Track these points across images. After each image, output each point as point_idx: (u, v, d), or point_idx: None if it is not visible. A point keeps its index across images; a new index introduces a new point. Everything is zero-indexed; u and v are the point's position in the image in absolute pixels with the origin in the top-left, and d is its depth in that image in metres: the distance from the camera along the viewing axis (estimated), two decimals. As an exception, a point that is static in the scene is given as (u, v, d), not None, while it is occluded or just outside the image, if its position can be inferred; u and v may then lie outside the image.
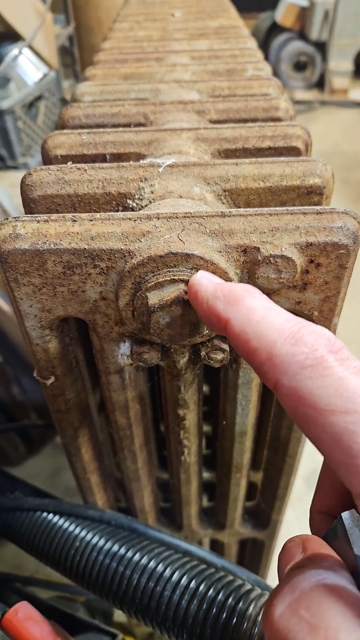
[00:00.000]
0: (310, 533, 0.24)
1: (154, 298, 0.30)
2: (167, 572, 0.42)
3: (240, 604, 0.39)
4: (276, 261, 0.30)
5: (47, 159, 0.42)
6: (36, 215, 0.31)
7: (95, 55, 0.65)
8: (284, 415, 0.45)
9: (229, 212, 0.30)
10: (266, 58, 0.63)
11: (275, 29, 3.48)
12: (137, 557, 0.44)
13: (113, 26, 0.83)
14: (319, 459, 0.23)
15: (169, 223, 0.30)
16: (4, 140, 1.65)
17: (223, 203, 0.37)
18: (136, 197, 0.36)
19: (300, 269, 0.31)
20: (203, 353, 0.35)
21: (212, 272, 0.30)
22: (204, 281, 0.26)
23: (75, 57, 2.54)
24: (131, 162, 0.37)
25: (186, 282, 0.29)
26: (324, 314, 0.33)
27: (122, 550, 0.45)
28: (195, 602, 0.40)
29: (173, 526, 0.61)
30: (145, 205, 0.36)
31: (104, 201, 0.36)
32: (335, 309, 0.33)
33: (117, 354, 0.36)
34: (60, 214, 0.31)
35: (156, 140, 0.41)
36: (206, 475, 0.63)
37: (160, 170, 0.36)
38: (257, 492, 0.60)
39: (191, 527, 0.59)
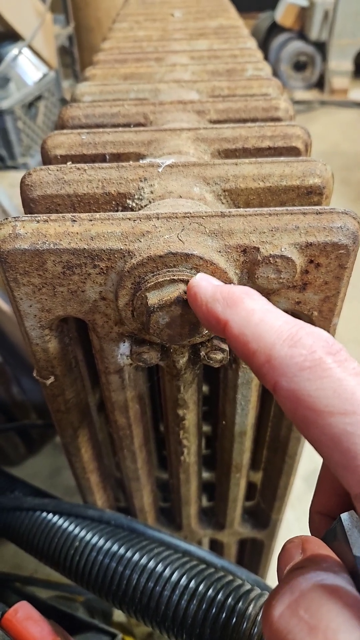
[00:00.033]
0: (309, 534, 0.24)
1: (153, 298, 0.30)
2: (167, 571, 0.42)
3: (240, 603, 0.39)
4: (276, 261, 0.30)
5: (47, 159, 0.42)
6: (36, 215, 0.31)
7: (95, 55, 0.65)
8: (284, 416, 0.45)
9: (229, 212, 0.30)
10: (266, 58, 0.63)
11: (275, 28, 3.48)
12: (136, 556, 0.44)
13: (113, 26, 0.83)
14: (319, 459, 0.23)
15: (168, 223, 0.30)
16: (3, 140, 1.65)
17: (223, 203, 0.37)
18: (136, 197, 0.36)
19: (300, 269, 0.31)
20: (202, 353, 0.35)
21: (212, 272, 0.30)
22: (203, 283, 0.27)
23: (74, 57, 2.54)
24: (131, 162, 0.37)
25: (186, 282, 0.29)
26: (323, 314, 0.33)
27: (122, 550, 0.45)
28: (194, 601, 0.40)
29: (172, 526, 0.61)
30: (145, 205, 0.36)
31: (103, 201, 0.36)
32: (335, 309, 0.33)
33: (116, 354, 0.36)
34: (60, 214, 0.31)
35: (156, 140, 0.41)
36: (206, 475, 0.63)
37: (159, 170, 0.36)
38: (257, 492, 0.60)
39: (191, 527, 0.59)
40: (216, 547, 0.65)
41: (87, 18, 2.15)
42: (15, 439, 1.18)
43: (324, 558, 0.19)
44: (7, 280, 0.32)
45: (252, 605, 0.39)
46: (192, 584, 0.41)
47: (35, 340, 0.35)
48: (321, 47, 3.34)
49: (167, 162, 0.36)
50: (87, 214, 0.31)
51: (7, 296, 0.35)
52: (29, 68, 1.76)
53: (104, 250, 0.30)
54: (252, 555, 0.69)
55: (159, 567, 0.43)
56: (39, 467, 1.21)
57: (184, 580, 0.42)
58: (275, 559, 0.22)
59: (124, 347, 0.36)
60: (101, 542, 0.46)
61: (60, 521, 0.50)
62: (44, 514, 0.51)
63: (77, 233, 0.30)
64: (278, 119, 0.46)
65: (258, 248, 0.30)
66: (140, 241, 0.30)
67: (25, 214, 0.37)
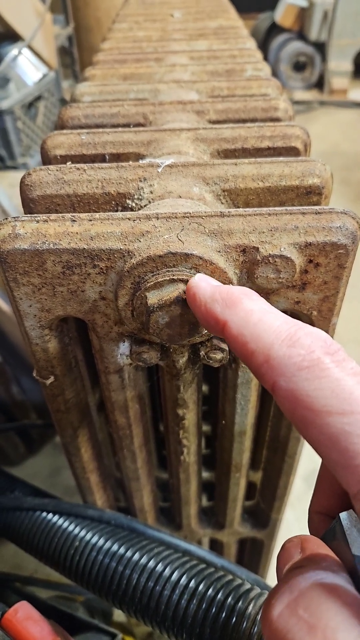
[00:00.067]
0: (308, 533, 0.24)
1: (153, 298, 0.30)
2: (167, 571, 0.42)
3: (240, 603, 0.39)
4: (275, 261, 0.30)
5: (47, 159, 0.42)
6: (35, 215, 0.32)
7: (95, 56, 0.65)
8: (283, 415, 0.45)
9: (228, 212, 0.30)
10: (265, 58, 0.64)
11: (274, 29, 3.48)
12: (136, 556, 0.44)
13: (112, 26, 0.83)
14: (318, 458, 0.23)
15: (168, 223, 0.30)
16: (3, 141, 1.65)
17: (222, 203, 0.37)
18: (135, 197, 0.36)
19: (299, 269, 0.31)
20: (202, 353, 0.35)
21: (211, 272, 0.30)
22: (202, 284, 0.27)
23: (74, 57, 2.54)
24: (130, 162, 0.37)
25: (185, 281, 0.29)
26: (323, 314, 0.33)
27: (122, 550, 0.45)
28: (194, 601, 0.40)
29: (172, 526, 0.61)
30: (145, 205, 0.36)
31: (103, 201, 0.36)
32: (334, 308, 0.33)
33: (116, 354, 0.37)
34: (60, 214, 0.31)
35: (155, 140, 0.41)
36: (205, 474, 0.63)
37: (159, 170, 0.36)
38: (257, 492, 0.60)
39: (190, 526, 0.59)
40: (216, 546, 0.65)
41: (86, 18, 2.15)
42: (15, 439, 1.18)
43: (323, 557, 0.19)
44: (6, 280, 0.32)
45: (251, 605, 0.39)
46: (192, 583, 0.41)
47: (35, 340, 0.36)
48: (321, 48, 3.34)
49: (166, 162, 0.36)
50: (86, 214, 0.31)
51: (7, 296, 0.35)
52: (29, 68, 1.76)
53: (104, 250, 0.30)
54: (252, 554, 0.69)
55: (159, 567, 0.43)
56: (38, 467, 1.21)
57: (183, 580, 0.42)
58: (275, 558, 0.22)
59: (124, 347, 0.36)
60: (101, 541, 0.46)
61: (60, 521, 0.50)
62: (44, 513, 0.51)
63: (77, 233, 0.30)
64: (277, 119, 0.46)
65: (257, 248, 0.30)
66: (140, 241, 0.30)
67: (25, 214, 0.37)
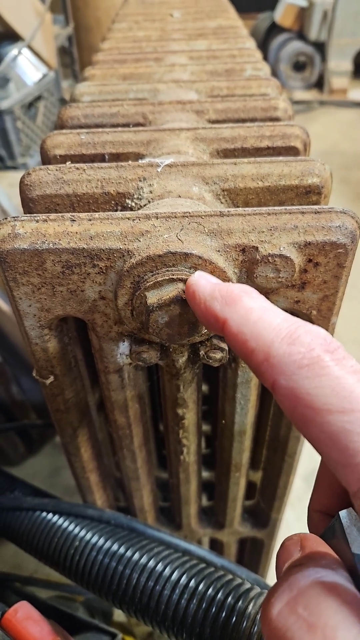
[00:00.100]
0: (308, 532, 0.24)
1: (152, 297, 0.30)
2: (167, 571, 0.42)
3: (240, 602, 0.39)
4: (275, 260, 0.30)
5: (46, 159, 0.42)
6: (35, 214, 0.32)
7: (94, 56, 0.65)
8: (283, 415, 0.45)
9: (228, 211, 0.31)
10: (265, 58, 0.64)
11: (274, 29, 3.48)
12: (136, 556, 0.44)
13: (112, 26, 0.83)
14: (318, 458, 0.23)
15: (167, 222, 0.30)
16: (3, 141, 1.65)
17: (222, 203, 0.37)
18: (135, 196, 0.36)
19: (299, 268, 0.31)
20: (202, 352, 0.35)
21: (211, 272, 0.30)
22: (202, 281, 0.27)
23: (74, 57, 2.54)
24: (130, 162, 0.37)
25: (185, 281, 0.29)
26: (322, 313, 0.33)
27: (122, 550, 0.45)
28: (194, 601, 0.40)
29: (172, 525, 0.61)
30: (144, 205, 0.36)
31: (102, 201, 0.36)
32: (333, 308, 0.33)
33: (116, 354, 0.37)
34: (59, 214, 0.31)
35: (155, 140, 0.41)
36: (205, 474, 0.63)
37: (159, 170, 0.36)
38: (257, 492, 0.60)
39: (190, 526, 0.59)
40: (216, 546, 0.65)
41: (86, 18, 2.15)
42: (15, 438, 1.18)
43: (322, 555, 0.19)
44: (6, 279, 0.32)
45: (251, 604, 0.39)
46: (192, 583, 0.41)
47: (34, 340, 0.36)
48: (320, 47, 3.34)
49: (166, 161, 0.36)
50: (86, 213, 0.31)
51: (7, 296, 0.35)
52: (29, 68, 1.76)
53: (103, 250, 0.30)
54: (252, 554, 0.69)
55: (159, 567, 0.43)
56: (38, 467, 1.21)
57: (183, 580, 0.42)
58: (275, 558, 0.22)
59: (124, 347, 0.36)
60: (101, 541, 0.46)
61: (60, 521, 0.50)
62: (44, 513, 0.51)
63: (77, 233, 0.30)
64: (277, 119, 0.46)
65: (257, 247, 0.30)
66: (140, 241, 0.30)
67: (25, 213, 0.37)
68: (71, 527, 0.48)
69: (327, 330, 0.34)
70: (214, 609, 0.40)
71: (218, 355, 0.35)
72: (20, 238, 0.30)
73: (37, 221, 0.31)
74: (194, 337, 0.32)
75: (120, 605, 0.44)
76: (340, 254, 0.30)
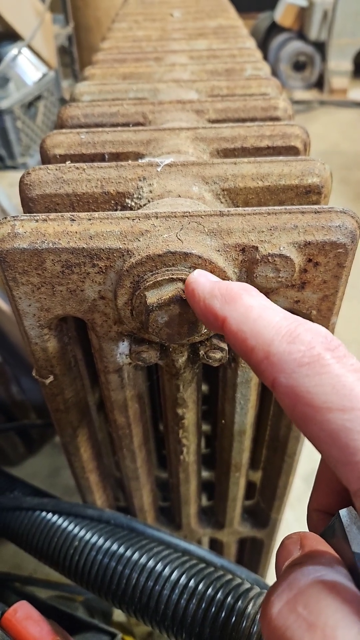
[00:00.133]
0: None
1: (152, 297, 0.30)
2: (166, 571, 0.42)
3: (239, 602, 0.39)
4: (274, 260, 0.30)
5: (46, 159, 0.42)
6: (35, 214, 0.31)
7: (94, 55, 0.65)
8: (283, 415, 0.45)
9: (228, 211, 0.30)
10: (265, 58, 0.64)
11: (274, 29, 3.48)
12: (136, 556, 0.44)
13: (112, 26, 0.83)
14: (318, 458, 0.23)
15: (167, 222, 0.30)
16: (3, 140, 1.65)
17: (222, 202, 0.37)
18: (135, 196, 0.36)
19: (299, 268, 0.31)
20: (202, 352, 0.35)
21: (210, 271, 0.30)
22: (201, 279, 0.26)
23: (74, 56, 2.54)
24: (130, 162, 0.37)
25: (184, 281, 0.29)
26: (322, 313, 0.33)
27: (121, 550, 0.45)
28: (194, 600, 0.40)
29: (172, 525, 0.61)
30: (144, 205, 0.36)
31: (102, 200, 0.36)
32: (333, 308, 0.33)
33: (115, 353, 0.36)
34: (59, 213, 0.31)
35: (155, 139, 0.41)
36: (205, 474, 0.63)
37: (158, 169, 0.36)
38: (256, 491, 0.60)
39: (190, 526, 0.59)
40: (216, 546, 0.65)
41: (86, 18, 2.15)
42: (15, 438, 1.18)
43: (322, 554, 0.19)
44: (6, 279, 0.32)
45: (251, 604, 0.39)
46: (192, 582, 0.41)
47: (34, 340, 0.36)
48: (320, 47, 3.34)
49: (166, 161, 0.36)
50: (86, 213, 0.31)
51: (6, 295, 0.35)
52: (29, 68, 1.76)
53: (103, 250, 0.30)
54: (251, 554, 0.69)
55: (159, 566, 0.43)
56: (38, 467, 1.21)
57: (183, 579, 0.42)
58: (275, 557, 0.22)
59: (123, 346, 0.36)
60: (101, 541, 0.46)
61: (60, 521, 0.50)
62: (44, 513, 0.51)
63: (76, 232, 0.30)
64: (277, 119, 0.46)
65: (257, 247, 0.30)
66: (139, 240, 0.30)
67: (24, 213, 0.37)
68: (71, 527, 0.48)
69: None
70: (213, 609, 0.40)
71: (218, 355, 0.35)
72: (20, 237, 0.30)
73: (37, 221, 0.31)
74: (194, 336, 0.32)
75: (120, 605, 0.44)
76: (340, 254, 0.30)
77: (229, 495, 0.53)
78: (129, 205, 0.36)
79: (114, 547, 0.45)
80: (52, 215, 0.31)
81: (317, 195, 0.36)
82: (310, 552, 0.20)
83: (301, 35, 3.38)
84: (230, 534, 0.61)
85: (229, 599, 0.40)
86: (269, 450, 0.50)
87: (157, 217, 0.30)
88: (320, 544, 0.20)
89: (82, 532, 0.47)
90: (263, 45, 3.46)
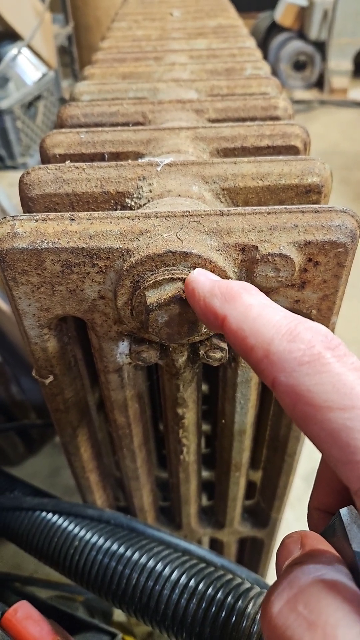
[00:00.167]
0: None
1: (152, 297, 0.30)
2: (167, 570, 0.42)
3: (240, 602, 0.39)
4: (274, 260, 0.30)
5: (46, 158, 0.42)
6: (34, 214, 0.31)
7: (94, 55, 0.65)
8: (283, 414, 0.45)
9: (228, 210, 0.30)
10: (265, 58, 0.64)
11: (274, 28, 3.48)
12: (136, 556, 0.44)
13: (112, 25, 0.83)
14: (318, 458, 0.23)
15: (167, 222, 0.30)
16: (2, 140, 1.65)
17: (221, 202, 0.37)
18: (134, 196, 0.36)
19: (299, 268, 0.31)
20: (202, 352, 0.35)
21: (210, 271, 0.30)
22: (201, 278, 0.26)
23: (74, 56, 2.54)
24: (129, 161, 0.37)
25: (184, 280, 0.29)
26: (322, 313, 0.33)
27: (122, 549, 0.45)
28: (194, 600, 0.40)
29: (172, 525, 0.61)
30: (144, 204, 0.36)
31: (102, 200, 0.36)
32: (333, 307, 0.33)
33: (115, 353, 0.36)
34: (59, 213, 0.31)
35: (155, 139, 0.41)
36: (205, 474, 0.63)
37: (158, 169, 0.36)
38: (257, 491, 0.60)
39: (190, 526, 0.59)
40: (216, 546, 0.65)
41: (86, 17, 2.15)
42: (15, 438, 1.18)
43: (323, 553, 0.19)
44: (5, 279, 0.32)
45: (251, 604, 0.39)
46: (192, 582, 0.41)
47: (34, 340, 0.35)
48: (321, 47, 3.34)
49: (165, 161, 0.36)
50: (85, 212, 0.31)
51: (6, 295, 0.35)
52: (28, 68, 1.76)
53: (103, 249, 0.30)
54: (252, 554, 0.69)
55: (159, 566, 0.43)
56: (38, 466, 1.21)
57: (183, 579, 0.42)
58: (275, 557, 0.22)
59: (123, 346, 0.36)
60: (101, 541, 0.46)
61: (60, 521, 0.50)
62: (44, 513, 0.51)
63: (76, 232, 0.30)
64: (277, 118, 0.46)
65: (257, 247, 0.30)
66: (139, 240, 0.30)
67: (24, 213, 0.37)
68: (71, 527, 0.48)
69: (327, 329, 0.34)
70: (213, 609, 0.40)
71: (218, 354, 0.35)
72: (20, 237, 0.30)
73: (37, 220, 0.31)
74: (194, 336, 0.32)
75: (120, 605, 0.44)
76: (340, 253, 0.30)
77: (229, 495, 0.53)
78: (129, 204, 0.36)
79: (114, 547, 0.45)
80: (52, 215, 0.31)
81: (317, 194, 0.36)
82: (311, 551, 0.20)
83: (301, 34, 3.39)
84: (231, 533, 0.61)
85: (229, 598, 0.40)
86: (269, 450, 0.50)
87: (157, 217, 0.30)
88: (320, 543, 0.20)
89: (82, 532, 0.47)
90: (263, 44, 3.46)
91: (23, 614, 0.43)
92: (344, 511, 0.19)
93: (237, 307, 0.23)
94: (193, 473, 0.50)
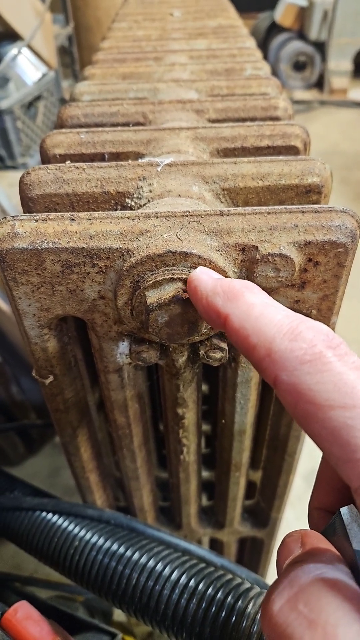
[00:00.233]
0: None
1: (152, 297, 0.30)
2: (167, 570, 0.42)
3: (240, 602, 0.39)
4: (275, 260, 0.30)
5: (46, 158, 0.42)
6: (34, 214, 0.31)
7: (94, 55, 0.65)
8: (283, 414, 0.45)
9: (228, 210, 0.30)
10: (265, 58, 0.64)
11: (274, 28, 3.48)
12: (136, 556, 0.44)
13: (112, 26, 0.83)
14: (318, 457, 0.23)
15: (167, 222, 0.30)
16: (3, 140, 1.65)
17: (222, 202, 0.37)
18: (135, 196, 0.36)
19: (299, 268, 0.31)
20: (202, 352, 0.35)
21: (211, 271, 0.30)
22: (204, 277, 0.27)
23: (74, 56, 2.54)
24: (130, 161, 0.37)
25: (184, 280, 0.29)
26: (322, 313, 0.33)
27: (122, 549, 0.45)
28: (194, 600, 0.40)
29: (172, 525, 0.61)
30: (144, 204, 0.36)
31: (102, 200, 0.36)
32: (333, 307, 0.33)
33: (115, 353, 0.36)
34: (59, 213, 0.31)
35: (155, 139, 0.41)
36: (205, 474, 0.63)
37: (158, 169, 0.36)
38: (257, 491, 0.60)
39: (190, 526, 0.59)
40: (216, 546, 0.65)
41: (86, 17, 2.15)
42: (15, 438, 1.18)
43: (323, 551, 0.19)
44: (5, 279, 0.32)
45: (251, 604, 0.39)
46: (192, 582, 0.41)
47: (34, 340, 0.36)
48: (320, 47, 3.35)
49: (166, 161, 0.36)
50: (85, 213, 0.31)
51: (6, 295, 0.35)
52: (29, 68, 1.76)
53: (103, 249, 0.30)
54: (252, 554, 0.69)
55: (159, 566, 0.43)
56: (38, 467, 1.21)
57: (183, 579, 0.42)
58: (275, 558, 0.22)
59: (123, 346, 0.36)
60: (101, 541, 0.46)
61: (60, 521, 0.50)
62: (44, 513, 0.51)
63: (76, 232, 0.30)
64: (277, 118, 0.46)
65: (257, 247, 0.30)
66: (139, 240, 0.30)
67: (24, 213, 0.37)
68: (71, 527, 0.48)
69: (327, 329, 0.34)
70: (213, 609, 0.40)
71: (218, 354, 0.35)
72: (20, 237, 0.30)
73: (37, 220, 0.31)
74: (194, 336, 0.32)
75: (120, 605, 0.44)
76: (341, 253, 0.30)
77: (229, 494, 0.53)
78: (129, 204, 0.36)
79: (114, 547, 0.45)
80: (52, 215, 0.31)
81: (317, 194, 0.36)
82: (311, 549, 0.20)
83: (301, 35, 3.39)
84: (231, 533, 0.61)
85: (229, 598, 0.40)
86: (269, 450, 0.50)
87: (157, 217, 0.30)
88: (321, 542, 0.20)
89: (82, 532, 0.47)
90: (263, 45, 3.46)
91: (23, 614, 0.43)
92: (344, 510, 0.19)
93: (240, 305, 0.23)
94: (193, 473, 0.50)
